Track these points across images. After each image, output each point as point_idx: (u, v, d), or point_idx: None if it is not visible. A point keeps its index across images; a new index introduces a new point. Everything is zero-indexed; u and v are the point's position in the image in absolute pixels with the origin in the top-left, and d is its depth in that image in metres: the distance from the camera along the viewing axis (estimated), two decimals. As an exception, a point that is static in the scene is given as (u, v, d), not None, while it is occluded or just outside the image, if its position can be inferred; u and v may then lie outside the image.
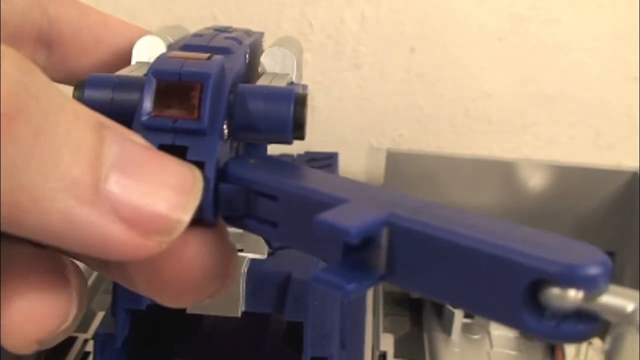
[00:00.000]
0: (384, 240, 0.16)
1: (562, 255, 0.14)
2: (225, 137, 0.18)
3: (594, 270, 0.13)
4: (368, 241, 0.16)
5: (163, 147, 0.17)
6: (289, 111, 0.19)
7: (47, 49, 0.23)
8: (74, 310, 0.18)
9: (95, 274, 0.43)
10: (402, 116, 0.53)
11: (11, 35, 0.21)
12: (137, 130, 0.18)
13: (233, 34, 0.23)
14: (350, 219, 0.15)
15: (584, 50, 0.51)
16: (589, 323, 0.14)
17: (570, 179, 0.49)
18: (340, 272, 0.16)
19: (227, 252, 0.19)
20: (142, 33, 0.23)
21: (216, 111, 0.18)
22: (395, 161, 0.48)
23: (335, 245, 0.16)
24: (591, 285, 0.14)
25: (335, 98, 0.53)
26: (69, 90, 0.20)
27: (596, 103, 0.52)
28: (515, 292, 0.14)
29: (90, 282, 0.43)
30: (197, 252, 0.18)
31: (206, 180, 0.17)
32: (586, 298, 0.14)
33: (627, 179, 0.48)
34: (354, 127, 0.54)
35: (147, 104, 0.18)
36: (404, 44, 0.51)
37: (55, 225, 0.15)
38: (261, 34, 0.25)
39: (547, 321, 0.14)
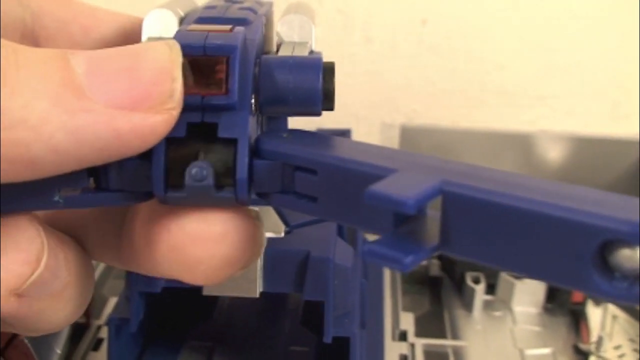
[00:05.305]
0: (430, 209, 0.15)
1: (631, 213, 0.13)
2: (253, 111, 0.18)
3: None
4: (418, 211, 0.16)
5: (191, 126, 0.17)
6: (318, 81, 0.18)
7: (34, 44, 0.22)
8: None
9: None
10: (415, 91, 0.52)
11: None
12: None
13: (246, 4, 0.22)
14: (404, 189, 0.15)
15: (600, 19, 0.50)
16: None
17: (588, 151, 0.48)
18: (393, 245, 0.15)
19: (254, 229, 0.18)
20: (133, 20, 0.23)
21: (244, 85, 0.17)
22: (409, 137, 0.47)
23: (384, 217, 0.16)
24: None
25: (346, 73, 0.52)
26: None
27: (613, 73, 0.51)
28: (584, 254, 0.13)
29: (101, 268, 0.43)
30: (225, 233, 0.17)
31: (240, 156, 0.17)
32: None
33: (647, 149, 0.47)
34: (366, 103, 0.53)
35: None
36: (416, 16, 0.50)
37: (64, 144, 0.15)
38: (271, 4, 0.24)
39: (619, 283, 0.13)
